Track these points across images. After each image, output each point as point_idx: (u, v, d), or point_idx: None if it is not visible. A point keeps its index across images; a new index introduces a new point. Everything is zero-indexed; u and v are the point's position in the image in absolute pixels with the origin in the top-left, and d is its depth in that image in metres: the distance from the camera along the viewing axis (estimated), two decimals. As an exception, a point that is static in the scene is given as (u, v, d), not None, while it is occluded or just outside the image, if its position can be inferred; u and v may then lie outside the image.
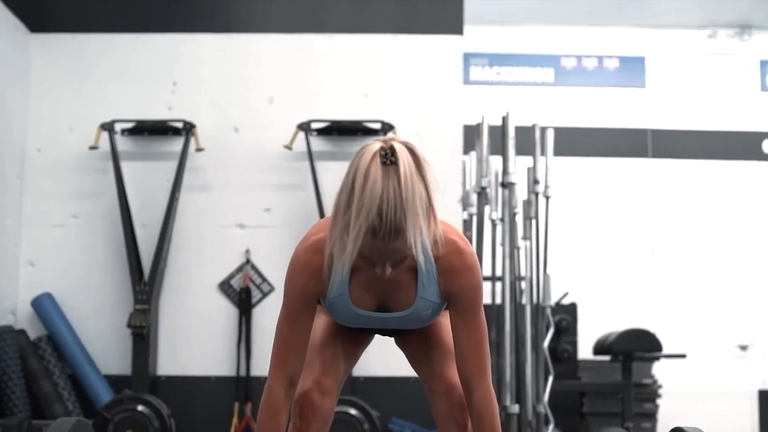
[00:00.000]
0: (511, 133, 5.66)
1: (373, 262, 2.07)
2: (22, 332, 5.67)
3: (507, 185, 5.70)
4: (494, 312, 5.80)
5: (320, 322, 2.42)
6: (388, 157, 1.97)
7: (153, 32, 6.02)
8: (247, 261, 5.86)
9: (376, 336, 2.50)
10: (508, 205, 5.75)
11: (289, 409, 2.25)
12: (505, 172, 5.69)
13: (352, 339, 2.46)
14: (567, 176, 7.81)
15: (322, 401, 2.31)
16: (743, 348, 8.13)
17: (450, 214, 5.59)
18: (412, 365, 2.50)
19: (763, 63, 8.60)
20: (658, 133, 8.41)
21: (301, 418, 2.31)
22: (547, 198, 5.99)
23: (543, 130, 6.04)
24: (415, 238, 1.98)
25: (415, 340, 2.45)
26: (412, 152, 2.01)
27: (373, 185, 1.95)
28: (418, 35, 6.08)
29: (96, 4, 6.08)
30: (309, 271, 2.18)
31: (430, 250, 2.09)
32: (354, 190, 1.97)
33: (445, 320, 2.40)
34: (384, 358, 5.02)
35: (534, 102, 8.30)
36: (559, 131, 6.41)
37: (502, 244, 5.76)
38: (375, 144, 2.01)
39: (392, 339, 2.51)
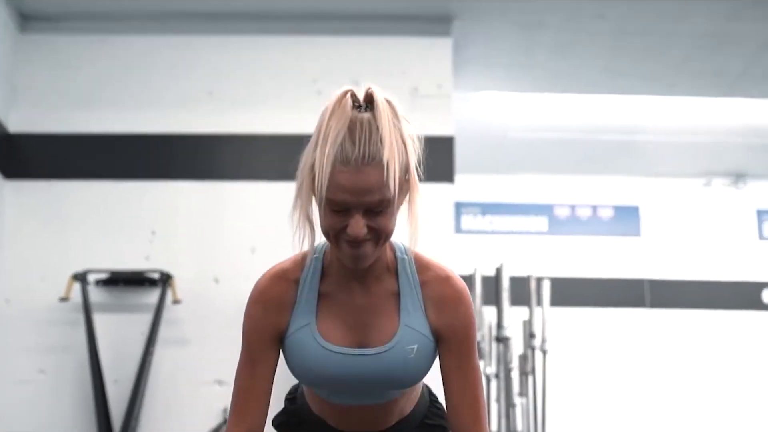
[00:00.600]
0: (506, 284, 5.48)
1: (344, 217, 1.77)
2: (-20, 498, 5.28)
3: (502, 340, 5.46)
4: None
5: None
6: (360, 103, 1.78)
7: (131, 179, 5.85)
8: (225, 420, 5.52)
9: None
10: (504, 360, 5.53)
11: None
12: (499, 326, 5.48)
13: None
14: (562, 327, 7.63)
15: None
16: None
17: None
18: None
19: (759, 212, 8.53)
20: (655, 283, 8.30)
21: None
22: (544, 352, 5.79)
23: (539, 281, 5.90)
24: (393, 167, 1.74)
25: None
26: (390, 104, 1.80)
27: (341, 115, 1.75)
28: (407, 184, 5.91)
29: (73, 151, 5.92)
30: (269, 302, 1.91)
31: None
32: (318, 134, 1.77)
33: None
34: None
35: (528, 251, 8.19)
36: (554, 281, 6.31)
37: (498, 401, 5.53)
38: (346, 90, 1.80)
39: None
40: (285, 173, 5.99)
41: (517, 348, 5.77)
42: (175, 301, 5.57)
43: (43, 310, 5.64)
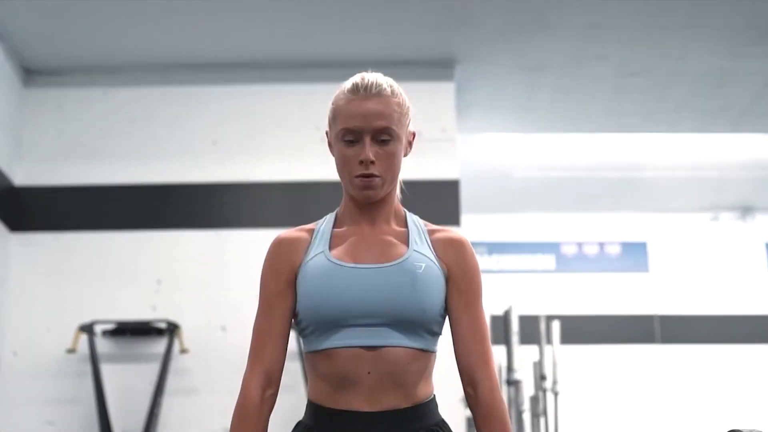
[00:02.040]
0: (515, 327, 5.44)
1: (354, 145, 1.99)
2: None
3: (512, 383, 5.41)
4: None
5: None
6: (366, 88, 2.01)
7: (136, 229, 5.85)
8: (235, 470, 5.46)
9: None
10: (515, 402, 5.48)
11: (266, 412, 1.95)
12: (510, 369, 5.43)
13: None
14: (573, 365, 7.58)
15: None
16: None
17: (452, 414, 5.24)
18: None
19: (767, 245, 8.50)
20: (665, 319, 8.25)
21: None
22: (556, 394, 5.74)
23: (548, 320, 5.87)
24: (395, 99, 2.00)
25: None
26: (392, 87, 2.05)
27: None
28: (414, 227, 5.90)
29: (78, 202, 5.93)
30: (285, 245, 2.02)
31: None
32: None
33: None
34: None
35: (536, 289, 8.15)
36: (562, 319, 6.28)
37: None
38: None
39: None
40: (289, 220, 6.00)
41: (528, 389, 5.73)
42: (183, 351, 5.54)
43: (51, 362, 5.62)
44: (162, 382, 5.46)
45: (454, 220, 5.90)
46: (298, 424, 2.05)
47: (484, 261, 8.36)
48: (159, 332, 5.60)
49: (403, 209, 2.11)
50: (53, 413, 5.58)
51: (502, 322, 5.58)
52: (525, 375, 5.62)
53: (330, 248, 1.99)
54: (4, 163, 5.73)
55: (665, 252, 8.43)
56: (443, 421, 2.04)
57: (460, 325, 1.99)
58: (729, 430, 2.10)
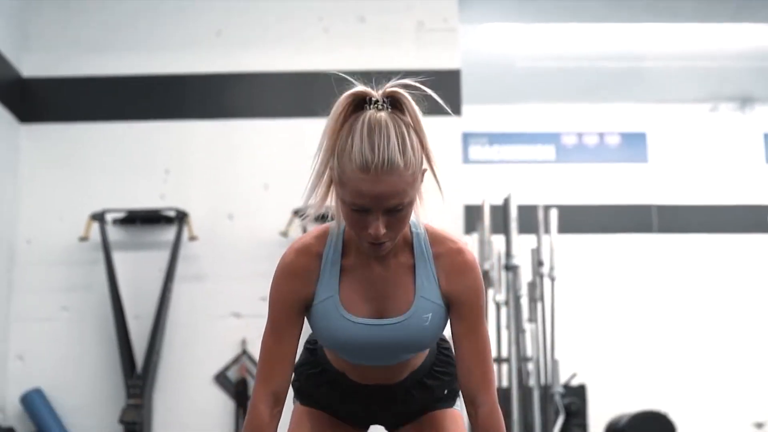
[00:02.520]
0: (513, 215, 5.55)
1: (364, 218, 1.87)
2: (11, 430, 5.48)
3: (511, 268, 5.56)
4: (501, 396, 5.60)
5: (302, 425, 2.22)
6: (379, 103, 1.86)
7: (144, 120, 5.94)
8: (244, 351, 5.68)
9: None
10: (513, 287, 5.63)
11: (274, 428, 2.03)
12: (508, 254, 5.56)
13: None
14: (571, 254, 7.70)
15: None
16: (759, 426, 7.92)
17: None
18: None
19: (766, 136, 8.54)
20: (663, 209, 8.33)
21: None
22: (552, 279, 5.88)
23: (546, 209, 5.96)
24: (410, 173, 1.85)
25: None
26: (405, 98, 1.89)
27: (363, 122, 1.84)
28: (414, 116, 5.98)
29: (86, 93, 6.00)
30: (295, 274, 2.01)
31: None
32: (337, 135, 1.86)
33: (449, 427, 2.21)
34: None
35: (535, 180, 8.23)
36: (561, 209, 6.35)
37: (508, 327, 5.63)
38: (362, 90, 1.89)
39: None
40: (294, 110, 6.13)
41: (525, 276, 5.86)
42: (192, 238, 5.69)
43: (64, 250, 5.77)
44: (172, 268, 5.62)
45: (455, 110, 5.98)
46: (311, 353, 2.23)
47: (485, 151, 8.43)
48: (168, 220, 5.74)
49: (408, 224, 2.02)
50: (68, 299, 5.74)
51: (501, 212, 5.68)
52: (523, 262, 5.70)
53: (339, 290, 2.01)
54: (12, 54, 5.79)
55: (664, 142, 8.47)
56: (441, 348, 2.22)
57: (461, 349, 2.04)
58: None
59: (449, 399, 2.25)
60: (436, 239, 2.04)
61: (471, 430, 2.09)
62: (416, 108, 1.90)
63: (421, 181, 1.92)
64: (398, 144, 1.83)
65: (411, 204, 1.90)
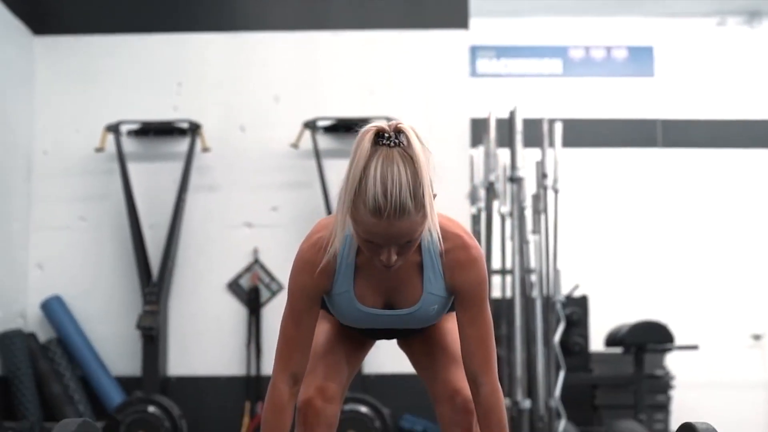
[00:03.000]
0: (519, 127, 5.62)
1: (377, 248, 2.02)
2: (32, 335, 5.67)
3: (515, 180, 5.66)
4: (504, 306, 5.79)
5: (323, 329, 2.40)
6: (392, 139, 1.96)
7: (158, 32, 6.00)
8: (256, 260, 5.85)
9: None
10: (517, 199, 5.71)
11: (293, 407, 2.22)
12: (513, 167, 5.65)
13: (355, 343, 2.44)
14: (576, 167, 7.78)
15: (325, 408, 2.29)
16: (757, 338, 8.08)
17: (458, 210, 5.57)
18: (416, 368, 2.49)
19: (773, 50, 8.52)
20: (667, 123, 8.35)
21: (305, 426, 2.29)
22: (556, 191, 5.97)
23: (551, 123, 6.03)
24: (423, 217, 1.97)
25: (418, 343, 2.44)
26: (416, 135, 1.98)
27: (377, 166, 1.93)
28: (423, 30, 6.05)
29: (100, 5, 6.06)
30: (312, 269, 2.15)
31: (438, 236, 2.06)
32: (357, 176, 1.95)
33: (449, 324, 2.39)
34: (395, 355, 5.11)
35: (542, 93, 8.25)
36: (567, 122, 6.39)
37: (512, 239, 5.73)
38: (376, 126, 1.98)
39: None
40: (306, 23, 6.20)
41: (530, 188, 5.92)
42: (205, 149, 5.80)
43: (80, 161, 5.88)
44: (185, 179, 5.73)
45: (462, 23, 6.04)
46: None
47: (492, 65, 8.44)
48: (181, 132, 5.84)
49: None
50: (85, 209, 5.87)
51: (507, 125, 5.71)
52: (528, 174, 5.74)
53: (354, 285, 2.18)
54: (25, -33, 5.83)
55: (671, 57, 8.45)
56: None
57: (465, 334, 2.20)
58: (682, 424, 2.22)
59: (451, 308, 2.39)
60: (444, 236, 2.14)
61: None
62: (422, 137, 1.99)
63: (431, 206, 2.01)
64: (410, 189, 1.93)
65: (422, 233, 2.02)
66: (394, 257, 2.03)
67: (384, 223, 1.95)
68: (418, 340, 2.43)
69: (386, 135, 1.96)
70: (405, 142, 1.96)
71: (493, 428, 2.19)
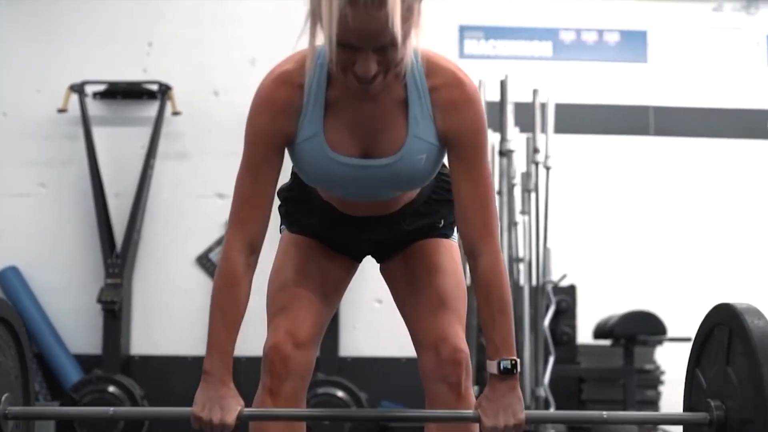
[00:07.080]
0: (510, 98, 5.42)
1: (352, 55, 1.69)
2: (-15, 308, 5.37)
3: (505, 153, 5.43)
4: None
5: (291, 255, 2.06)
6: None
7: (127, -12, 5.78)
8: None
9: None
10: (506, 175, 5.50)
11: (249, 282, 1.88)
12: (503, 139, 5.44)
13: (333, 272, 2.08)
14: (564, 154, 7.59)
15: (296, 355, 1.92)
16: (748, 334, 7.89)
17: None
18: (397, 304, 2.12)
19: (770, 38, 8.39)
20: (660, 110, 8.22)
21: (271, 376, 1.92)
22: (548, 169, 5.78)
23: (543, 106, 5.91)
24: (408, 13, 1.66)
25: (401, 268, 2.09)
26: None
27: None
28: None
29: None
30: (275, 107, 1.84)
31: (422, 63, 1.77)
32: None
33: (442, 258, 2.05)
34: (372, 338, 4.95)
35: (531, 76, 8.06)
36: (557, 107, 6.29)
37: (500, 219, 5.53)
38: None
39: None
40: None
41: (520, 166, 5.74)
42: (175, 113, 5.61)
43: (41, 123, 5.70)
44: (154, 145, 5.57)
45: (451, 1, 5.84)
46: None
47: (480, 46, 8.24)
48: (150, 95, 5.66)
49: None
50: (45, 175, 5.72)
51: (497, 107, 5.56)
52: (518, 154, 5.65)
53: (324, 127, 1.85)
54: None
55: (665, 42, 8.30)
56: (440, 174, 2.03)
57: (460, 193, 1.89)
58: (717, 304, 2.01)
59: (446, 229, 2.08)
60: (432, 69, 1.83)
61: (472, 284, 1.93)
62: None
63: (419, 12, 1.72)
64: None
65: (407, 41, 1.71)
66: (373, 67, 1.70)
67: (361, 14, 1.62)
68: (401, 264, 2.09)
69: None
70: None
71: (494, 310, 1.87)
